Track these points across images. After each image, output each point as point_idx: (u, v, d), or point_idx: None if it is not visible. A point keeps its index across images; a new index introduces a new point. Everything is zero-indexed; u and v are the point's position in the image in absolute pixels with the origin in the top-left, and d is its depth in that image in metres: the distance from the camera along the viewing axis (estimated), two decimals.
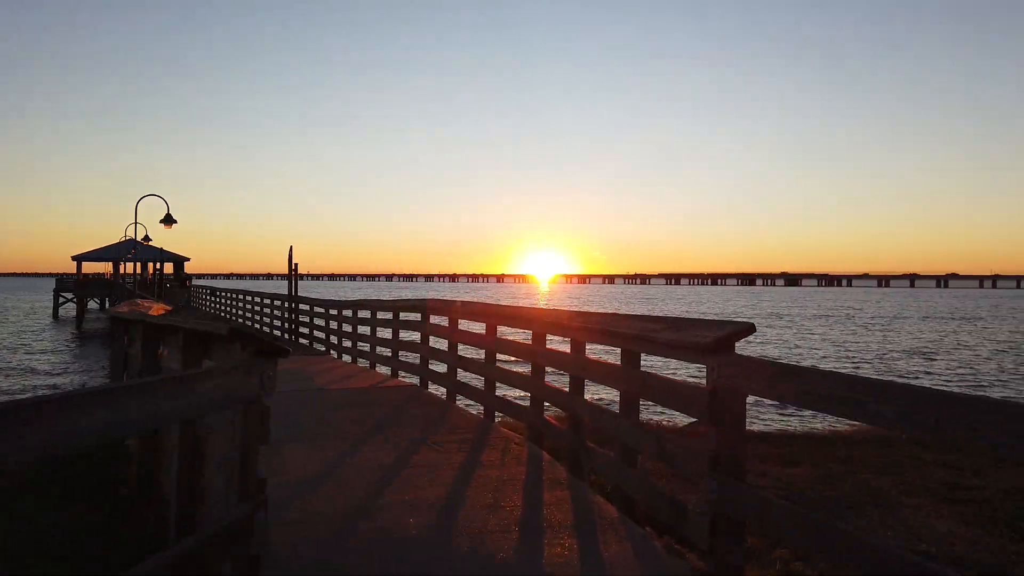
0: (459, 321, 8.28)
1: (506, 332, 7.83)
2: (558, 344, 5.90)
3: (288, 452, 5.76)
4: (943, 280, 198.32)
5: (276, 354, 2.98)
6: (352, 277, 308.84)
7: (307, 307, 17.58)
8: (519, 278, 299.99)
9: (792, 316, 50.26)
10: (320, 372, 11.47)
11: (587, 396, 5.35)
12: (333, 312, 14.86)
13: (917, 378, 19.88)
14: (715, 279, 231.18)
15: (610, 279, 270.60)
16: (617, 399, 4.58)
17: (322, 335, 16.02)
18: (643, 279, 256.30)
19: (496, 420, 7.30)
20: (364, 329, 12.39)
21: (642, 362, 4.38)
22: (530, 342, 6.23)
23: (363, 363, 12.45)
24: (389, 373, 10.99)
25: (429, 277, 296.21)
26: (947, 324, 42.86)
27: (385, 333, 11.35)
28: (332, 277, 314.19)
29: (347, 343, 13.68)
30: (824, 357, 24.92)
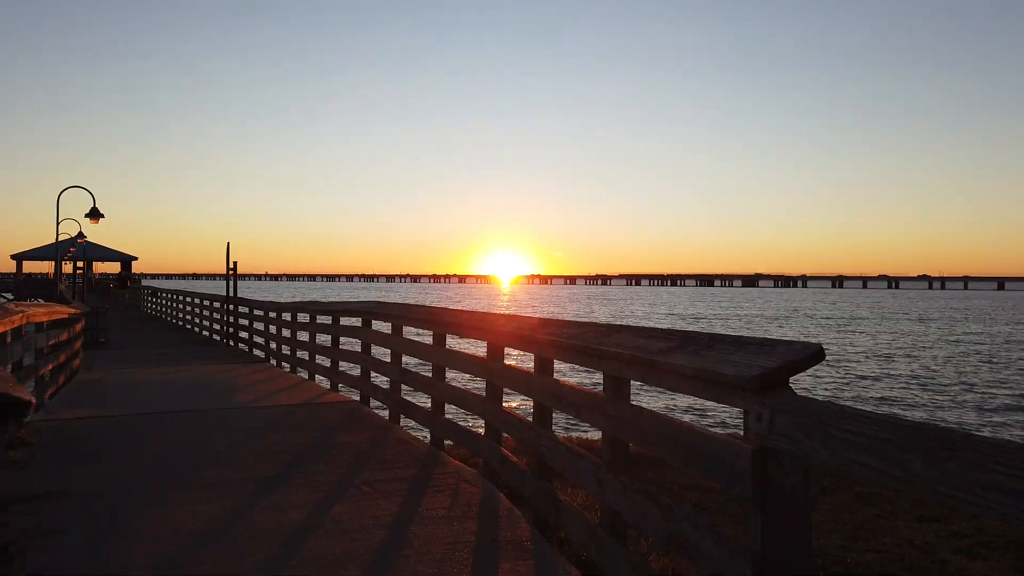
0: (404, 328, 7.04)
1: (460, 344, 6.58)
2: (523, 361, 4.74)
3: (173, 502, 4.48)
4: (894, 281, 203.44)
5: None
6: (312, 277, 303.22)
7: (246, 310, 16.12)
8: (481, 279, 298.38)
9: (751, 316, 50.02)
10: (251, 384, 10.11)
11: (563, 431, 4.18)
12: (273, 315, 13.46)
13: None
14: (674, 280, 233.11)
15: (571, 280, 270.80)
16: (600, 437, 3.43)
17: (261, 341, 14.63)
18: (604, 280, 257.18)
19: (447, 445, 6.11)
20: (305, 335, 11.07)
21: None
22: (485, 356, 5.04)
23: (303, 373, 11.13)
24: (328, 386, 9.69)
25: (391, 278, 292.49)
26: (904, 325, 42.96)
27: (326, 340, 10.06)
28: (291, 277, 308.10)
29: (287, 350, 12.33)
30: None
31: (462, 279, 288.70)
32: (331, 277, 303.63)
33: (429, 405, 6.27)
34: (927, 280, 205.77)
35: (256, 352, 15.08)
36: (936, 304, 75.06)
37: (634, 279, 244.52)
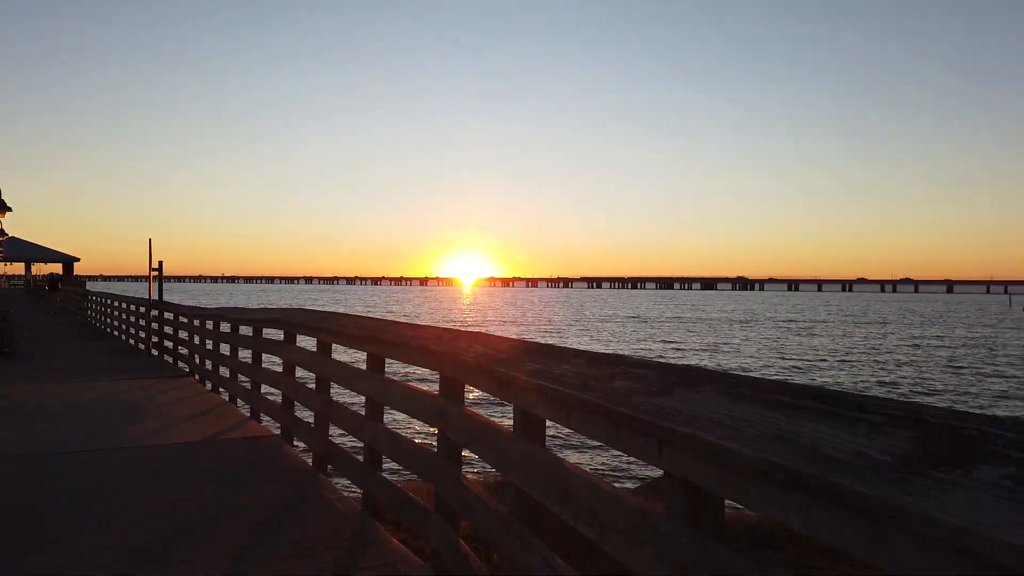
0: (333, 347, 5.39)
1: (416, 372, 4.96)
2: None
3: None
4: (848, 284, 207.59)
5: None
6: (269, 280, 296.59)
7: (171, 315, 14.20)
8: (443, 281, 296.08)
9: (714, 320, 49.25)
10: (159, 408, 8.32)
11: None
12: (197, 324, 11.63)
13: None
14: (635, 283, 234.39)
15: (533, 282, 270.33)
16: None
17: (186, 352, 12.77)
18: (566, 282, 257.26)
19: (385, 511, 4.49)
20: (228, 348, 9.31)
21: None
22: (437, 392, 3.47)
23: (225, 394, 9.37)
24: (248, 413, 7.97)
25: (351, 280, 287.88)
26: (868, 328, 42.61)
27: (249, 355, 8.32)
28: (248, 280, 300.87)
29: (210, 364, 10.53)
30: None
31: (423, 282, 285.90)
32: (290, 279, 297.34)
33: (363, 452, 4.65)
34: (879, 284, 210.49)
35: (181, 365, 13.21)
36: (892, 307, 75.78)
37: (595, 282, 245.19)
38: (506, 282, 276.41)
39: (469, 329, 3.99)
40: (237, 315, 8.72)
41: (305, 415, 6.10)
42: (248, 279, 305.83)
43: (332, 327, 5.14)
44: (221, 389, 9.62)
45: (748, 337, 34.96)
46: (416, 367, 3.80)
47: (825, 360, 25.15)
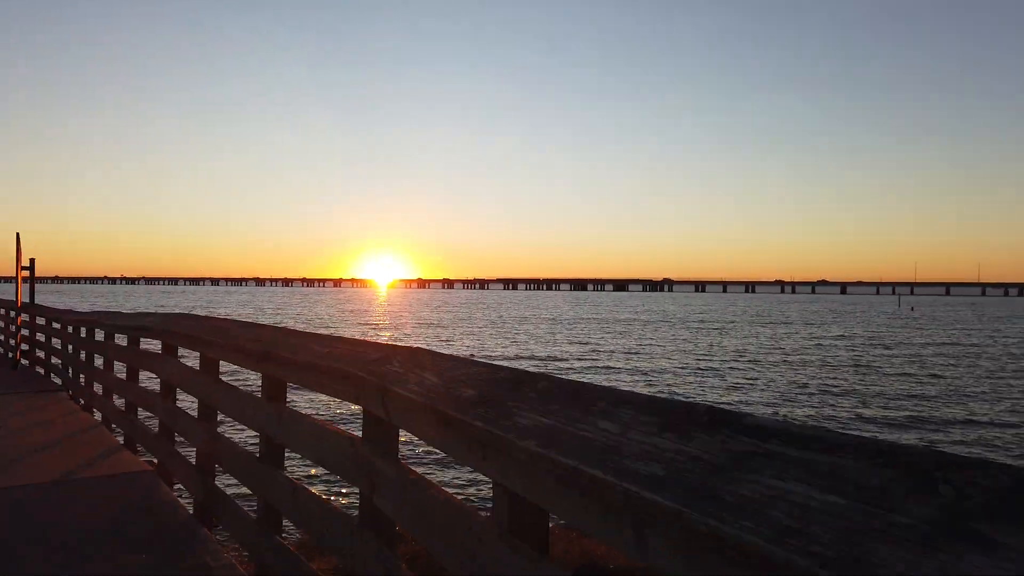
0: (220, 363, 4.22)
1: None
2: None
3: None
4: (750, 286, 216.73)
5: None
6: (173, 281, 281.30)
7: (43, 320, 12.38)
8: (358, 283, 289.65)
9: (628, 320, 49.54)
10: (11, 436, 6.82)
11: None
12: (71, 330, 9.99)
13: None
14: (549, 284, 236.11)
15: (449, 284, 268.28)
16: None
17: (59, 362, 11.05)
18: (482, 284, 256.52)
19: None
20: (108, 360, 7.86)
21: None
22: (360, 437, 2.45)
23: (99, 414, 7.92)
24: (123, 440, 6.60)
25: (260, 281, 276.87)
26: (779, 328, 43.78)
27: (126, 369, 6.94)
28: (150, 280, 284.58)
29: (84, 378, 8.99)
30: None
31: (337, 283, 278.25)
32: (195, 280, 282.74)
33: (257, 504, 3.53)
34: (780, 285, 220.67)
35: (54, 377, 11.45)
36: (794, 308, 78.87)
37: (511, 283, 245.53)
38: (422, 283, 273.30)
39: (389, 337, 2.97)
40: (111, 321, 7.31)
41: (189, 449, 4.88)
42: (151, 280, 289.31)
43: (216, 339, 3.98)
44: (95, 408, 8.15)
45: (676, 336, 35.02)
46: (335, 398, 2.75)
47: (739, 360, 25.25)
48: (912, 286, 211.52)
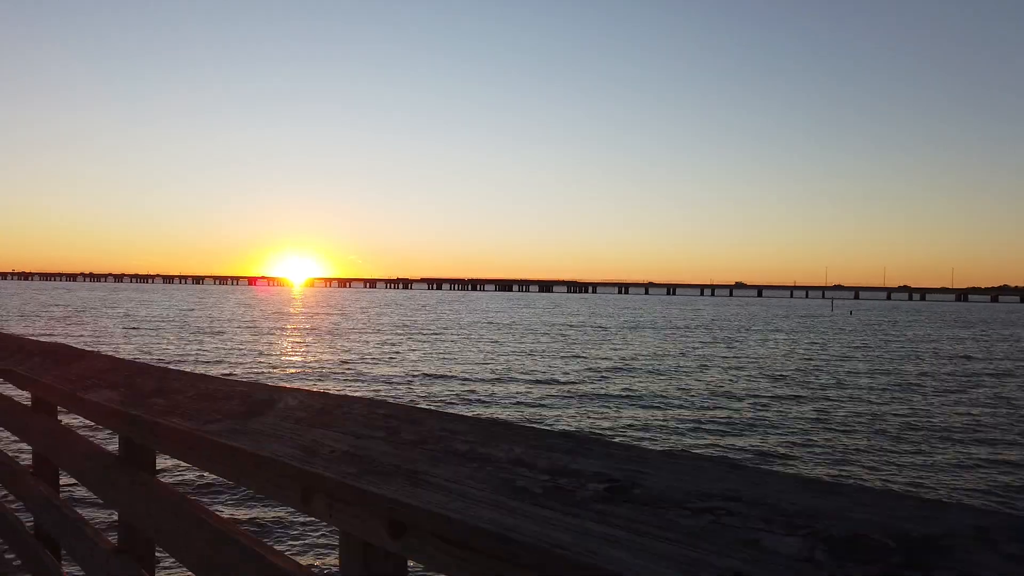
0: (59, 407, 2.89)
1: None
2: None
3: None
4: (672, 288, 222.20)
5: None
6: (71, 277, 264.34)
7: None
8: (273, 281, 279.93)
9: (559, 324, 49.00)
10: None
11: None
12: None
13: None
14: (474, 284, 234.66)
15: (372, 283, 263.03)
16: None
17: None
18: (405, 284, 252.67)
19: None
20: None
21: None
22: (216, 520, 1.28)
23: None
24: None
25: (168, 278, 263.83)
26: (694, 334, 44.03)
27: None
28: (48, 277, 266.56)
29: None
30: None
31: (251, 281, 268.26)
32: (97, 277, 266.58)
33: None
34: (699, 288, 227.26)
35: None
36: (715, 311, 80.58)
37: (436, 283, 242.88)
38: (343, 282, 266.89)
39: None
40: None
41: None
42: (44, 276, 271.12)
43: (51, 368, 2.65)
44: None
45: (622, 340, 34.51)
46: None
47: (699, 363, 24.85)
48: (823, 290, 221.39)
